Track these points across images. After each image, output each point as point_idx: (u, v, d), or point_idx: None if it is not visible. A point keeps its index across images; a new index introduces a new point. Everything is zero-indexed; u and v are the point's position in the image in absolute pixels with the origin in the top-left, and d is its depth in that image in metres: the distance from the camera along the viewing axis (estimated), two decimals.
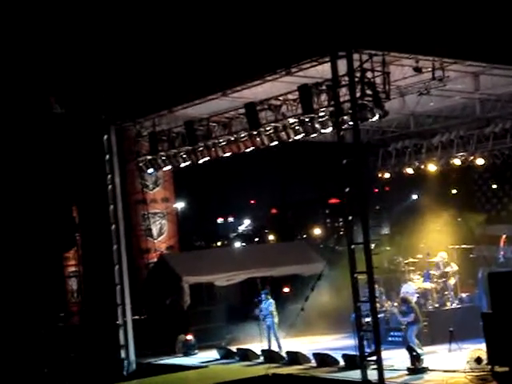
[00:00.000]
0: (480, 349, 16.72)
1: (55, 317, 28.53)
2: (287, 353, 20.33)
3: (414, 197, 28.28)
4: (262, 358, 20.84)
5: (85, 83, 28.89)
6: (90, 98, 27.86)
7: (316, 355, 19.52)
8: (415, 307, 18.95)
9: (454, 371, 16.71)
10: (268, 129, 20.32)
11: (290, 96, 19.78)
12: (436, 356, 18.66)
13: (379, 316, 18.66)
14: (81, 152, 29.67)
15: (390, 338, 21.14)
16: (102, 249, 25.01)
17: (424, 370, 17.16)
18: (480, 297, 21.51)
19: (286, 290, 25.77)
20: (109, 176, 23.17)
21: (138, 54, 26.82)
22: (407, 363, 17.47)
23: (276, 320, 21.41)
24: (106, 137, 23.15)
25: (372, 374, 16.68)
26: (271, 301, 21.62)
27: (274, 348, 21.22)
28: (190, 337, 23.21)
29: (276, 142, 20.45)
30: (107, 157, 23.16)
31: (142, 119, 22.82)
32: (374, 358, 16.72)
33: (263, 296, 21.69)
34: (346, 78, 17.29)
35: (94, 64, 28.53)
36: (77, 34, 28.78)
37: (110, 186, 23.19)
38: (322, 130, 19.30)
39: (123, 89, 25.09)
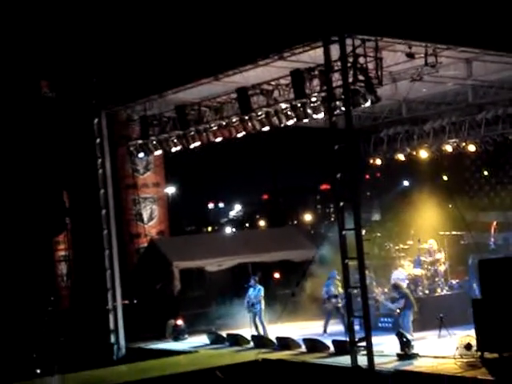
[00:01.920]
0: (470, 335, 16.75)
1: (45, 301, 28.47)
2: (277, 338, 20.33)
3: (406, 183, 28.30)
4: (252, 344, 20.86)
5: (76, 67, 28.72)
6: (81, 82, 27.70)
7: (306, 341, 19.53)
8: (407, 292, 18.97)
9: (444, 357, 16.74)
10: (260, 114, 20.21)
11: (282, 81, 19.68)
12: (426, 342, 18.69)
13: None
14: (71, 136, 29.54)
15: (380, 324, 21.18)
16: (92, 233, 24.97)
17: (414, 356, 17.18)
18: (470, 283, 21.55)
19: (277, 275, 25.77)
20: (99, 160, 23.09)
21: (129, 38, 26.65)
22: (397, 349, 17.49)
23: (263, 307, 21.42)
24: (96, 121, 23.04)
25: (362, 360, 16.71)
26: (260, 287, 21.61)
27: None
28: (180, 322, 23.20)
29: (268, 127, 20.36)
30: (98, 141, 23.07)
31: (133, 103, 22.70)
32: (364, 343, 16.74)
33: (252, 282, 21.69)
34: (339, 63, 17.22)
35: (85, 48, 28.36)
36: (68, 19, 28.59)
37: (100, 171, 23.11)
38: (314, 116, 19.21)
39: (114, 73, 24.93)
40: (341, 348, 18.17)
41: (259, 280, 22.02)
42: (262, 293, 21.51)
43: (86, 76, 26.86)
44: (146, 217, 29.45)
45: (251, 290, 21.58)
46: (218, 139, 21.57)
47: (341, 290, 20.31)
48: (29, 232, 29.36)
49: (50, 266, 32.01)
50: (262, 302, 21.46)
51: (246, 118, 20.40)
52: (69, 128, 29.52)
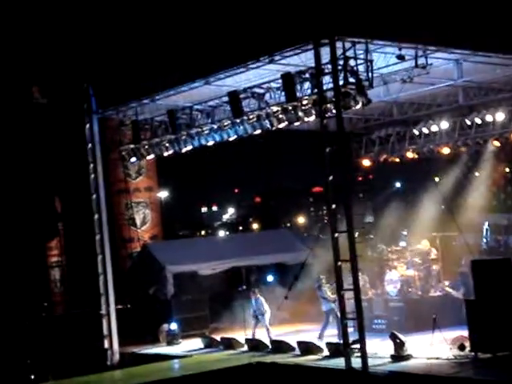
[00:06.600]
0: (463, 336, 16.77)
1: (38, 307, 28.40)
2: (271, 341, 20.33)
3: (398, 185, 28.37)
4: (246, 347, 20.83)
5: (67, 73, 28.70)
6: (72, 88, 27.69)
7: (300, 343, 19.53)
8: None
9: (438, 358, 16.77)
10: (251, 117, 20.22)
11: (273, 84, 19.69)
12: (419, 343, 18.69)
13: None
14: (63, 141, 29.52)
15: (373, 326, 21.19)
16: (85, 238, 24.92)
17: (407, 358, 17.20)
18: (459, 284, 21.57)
19: (270, 278, 25.75)
20: (91, 165, 23.06)
21: (120, 42, 26.67)
22: (391, 351, 17.50)
23: (268, 315, 21.36)
24: (88, 126, 23.01)
25: (356, 362, 16.72)
26: (261, 299, 21.48)
27: (258, 337, 21.19)
28: (173, 326, 23.17)
29: (259, 131, 20.37)
30: (89, 146, 23.03)
31: (125, 108, 22.66)
32: (358, 345, 16.75)
33: (252, 295, 21.54)
34: (329, 66, 17.25)
35: (75, 53, 28.35)
36: (58, 24, 28.59)
37: (92, 176, 23.08)
38: (306, 119, 19.22)
39: (105, 77, 24.92)
40: (335, 350, 18.18)
41: (255, 284, 21.94)
42: (265, 306, 21.39)
43: (77, 81, 26.85)
44: (138, 221, 29.42)
45: (253, 301, 21.52)
46: (210, 143, 21.58)
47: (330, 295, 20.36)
48: (21, 238, 29.30)
49: (43, 272, 31.95)
50: (267, 311, 21.39)
51: (238, 121, 20.41)
52: (60, 133, 29.49)
